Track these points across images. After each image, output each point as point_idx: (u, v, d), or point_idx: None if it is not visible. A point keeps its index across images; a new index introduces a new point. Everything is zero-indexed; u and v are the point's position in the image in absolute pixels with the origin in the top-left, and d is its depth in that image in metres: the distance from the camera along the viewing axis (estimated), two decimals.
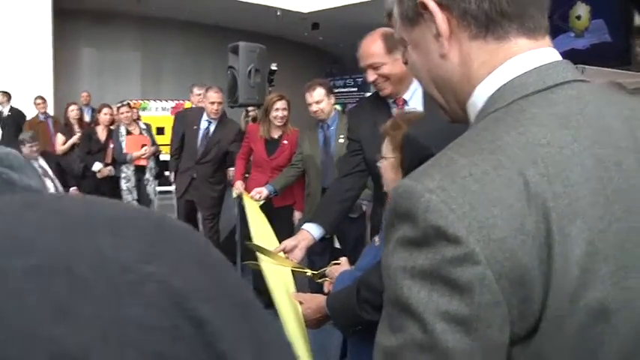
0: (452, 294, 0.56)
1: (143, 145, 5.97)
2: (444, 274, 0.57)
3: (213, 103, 4.84)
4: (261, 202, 3.69)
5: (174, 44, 13.84)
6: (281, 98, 4.17)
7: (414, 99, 2.22)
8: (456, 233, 0.56)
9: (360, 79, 13.67)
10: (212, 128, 4.98)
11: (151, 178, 6.07)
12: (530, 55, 0.68)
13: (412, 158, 1.43)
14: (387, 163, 1.60)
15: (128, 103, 6.43)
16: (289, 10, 12.22)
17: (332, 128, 3.86)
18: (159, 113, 12.13)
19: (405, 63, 0.84)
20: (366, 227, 3.87)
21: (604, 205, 0.60)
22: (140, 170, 5.96)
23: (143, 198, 5.98)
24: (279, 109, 4.14)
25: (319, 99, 3.75)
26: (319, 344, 3.73)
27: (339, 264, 1.86)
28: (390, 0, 0.82)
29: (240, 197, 4.11)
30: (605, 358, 0.61)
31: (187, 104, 10.56)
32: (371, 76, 2.22)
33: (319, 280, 1.93)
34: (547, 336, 0.59)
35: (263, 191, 3.80)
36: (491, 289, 0.56)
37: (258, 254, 2.09)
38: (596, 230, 0.59)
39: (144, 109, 11.86)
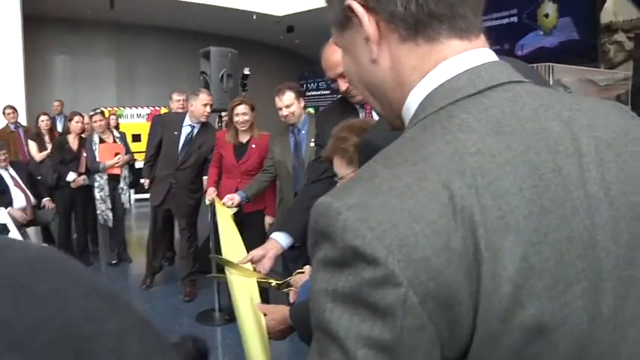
0: (373, 318, 0.53)
1: (117, 154, 5.89)
2: (364, 297, 0.53)
3: (205, 105, 4.72)
4: (235, 210, 3.64)
5: (149, 50, 13.75)
6: (241, 103, 4.20)
7: None
8: (375, 254, 0.52)
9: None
10: (195, 132, 4.84)
11: (126, 187, 5.99)
12: (463, 57, 0.64)
13: None
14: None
15: (102, 111, 6.33)
16: (264, 14, 12.20)
17: (303, 132, 3.79)
18: (134, 120, 12.02)
19: None
20: None
21: (539, 216, 0.56)
22: (114, 179, 5.88)
23: (117, 207, 5.90)
24: (239, 114, 4.17)
25: (289, 103, 3.70)
26: (295, 349, 3.71)
27: (303, 273, 1.82)
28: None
29: (212, 204, 4.07)
30: None
31: (163, 110, 10.47)
32: (342, 85, 2.19)
33: (284, 290, 1.89)
34: (479, 358, 0.55)
35: (235, 197, 3.77)
36: (414, 311, 0.52)
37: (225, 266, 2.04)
38: (530, 244, 0.55)
39: (119, 116, 11.75)
